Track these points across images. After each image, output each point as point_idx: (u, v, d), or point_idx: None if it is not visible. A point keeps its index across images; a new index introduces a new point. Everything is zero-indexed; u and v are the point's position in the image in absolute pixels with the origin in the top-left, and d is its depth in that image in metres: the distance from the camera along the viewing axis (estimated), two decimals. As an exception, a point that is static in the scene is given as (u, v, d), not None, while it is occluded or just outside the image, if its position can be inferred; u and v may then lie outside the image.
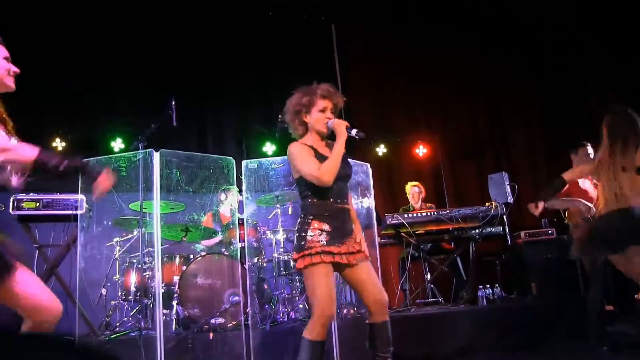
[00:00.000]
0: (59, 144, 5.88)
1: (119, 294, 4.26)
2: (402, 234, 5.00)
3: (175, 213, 4.58)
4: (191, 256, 4.34)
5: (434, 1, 7.02)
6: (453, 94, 7.28)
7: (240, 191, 4.41)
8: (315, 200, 2.49)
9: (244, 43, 6.53)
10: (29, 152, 1.94)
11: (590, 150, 4.31)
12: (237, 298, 3.96)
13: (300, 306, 4.32)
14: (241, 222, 4.39)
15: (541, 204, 3.41)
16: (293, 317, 4.23)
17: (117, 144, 5.95)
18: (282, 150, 6.09)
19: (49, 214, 4.04)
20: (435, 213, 5.08)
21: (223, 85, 6.59)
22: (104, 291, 4.36)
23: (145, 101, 5.83)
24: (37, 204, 3.99)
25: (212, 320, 3.85)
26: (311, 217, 2.45)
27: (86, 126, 6.03)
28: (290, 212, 4.83)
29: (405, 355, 2.54)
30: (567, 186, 3.45)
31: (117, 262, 4.44)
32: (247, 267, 4.15)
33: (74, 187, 3.75)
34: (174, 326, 4.01)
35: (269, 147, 6.45)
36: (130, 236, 4.46)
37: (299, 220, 2.51)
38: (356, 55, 7.16)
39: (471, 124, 7.46)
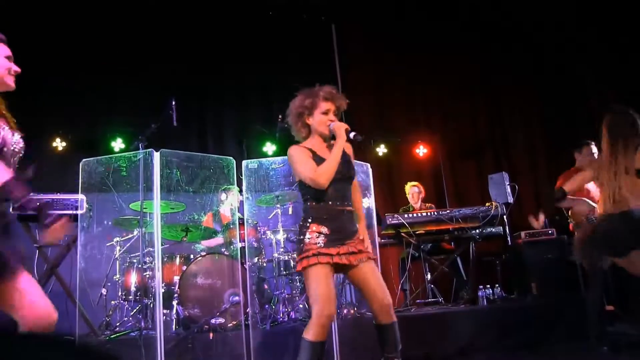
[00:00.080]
0: (59, 143, 5.88)
1: (119, 293, 4.26)
2: (402, 234, 5.00)
3: (175, 213, 4.58)
4: (191, 256, 4.34)
5: (434, 1, 7.02)
6: (453, 94, 7.28)
7: (240, 191, 4.41)
8: (314, 203, 2.51)
9: (244, 43, 6.53)
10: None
11: (594, 149, 4.32)
12: (237, 298, 3.96)
13: (301, 306, 4.32)
14: (241, 222, 4.39)
15: (541, 216, 3.41)
16: (293, 317, 4.23)
17: (118, 144, 5.95)
18: (282, 151, 6.13)
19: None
20: (436, 213, 5.08)
21: (223, 85, 6.59)
22: (104, 291, 4.36)
23: (145, 101, 5.83)
24: (37, 203, 3.98)
25: (213, 320, 3.85)
26: (310, 220, 2.48)
27: (86, 126, 6.04)
28: (290, 212, 4.83)
29: (406, 355, 2.54)
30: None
31: (118, 262, 4.44)
32: (247, 267, 4.15)
33: (74, 187, 3.76)
34: (174, 326, 4.01)
35: (269, 147, 6.45)
36: (130, 236, 4.47)
37: (300, 223, 2.54)
38: (356, 55, 7.16)
39: (471, 124, 7.45)
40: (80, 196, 3.99)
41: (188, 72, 6.23)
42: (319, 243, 2.41)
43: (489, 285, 4.84)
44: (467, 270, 5.27)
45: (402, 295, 5.31)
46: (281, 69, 6.53)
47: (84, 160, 3.77)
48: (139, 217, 4.02)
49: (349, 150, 2.66)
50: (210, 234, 4.68)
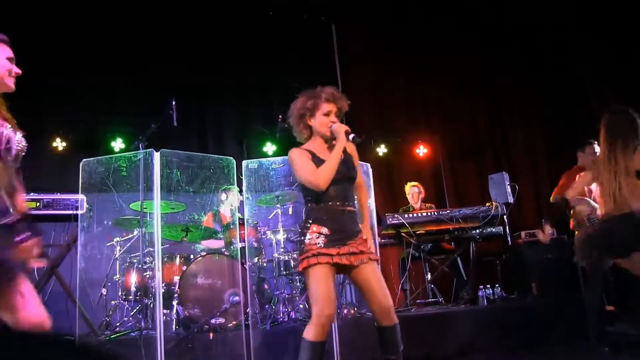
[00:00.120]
0: (59, 144, 5.87)
1: (119, 293, 4.26)
2: (403, 234, 5.00)
3: (175, 213, 4.58)
4: (191, 256, 4.33)
5: (434, 1, 7.02)
6: (453, 94, 7.28)
7: (240, 191, 4.41)
8: (314, 204, 2.53)
9: (244, 43, 6.53)
10: None
11: (597, 148, 4.31)
12: (237, 298, 3.96)
13: (301, 306, 4.32)
14: (241, 222, 4.39)
15: (547, 228, 3.42)
16: (293, 317, 4.23)
17: (118, 144, 5.95)
18: (282, 151, 6.13)
19: (49, 214, 4.04)
20: (436, 213, 5.09)
21: (223, 85, 6.59)
22: (104, 291, 4.36)
23: (145, 101, 5.83)
24: (38, 203, 3.99)
25: (213, 321, 3.85)
26: (311, 221, 2.49)
27: (86, 126, 6.04)
28: (290, 212, 4.83)
29: (406, 355, 2.53)
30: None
31: (118, 262, 4.44)
32: (247, 267, 4.15)
33: (74, 187, 3.76)
34: (174, 326, 4.01)
35: (269, 147, 6.45)
36: (130, 236, 4.46)
37: (301, 224, 2.56)
38: (356, 55, 7.16)
39: (471, 124, 7.46)
40: (81, 196, 4.00)
41: (188, 72, 6.23)
42: (319, 243, 2.42)
43: (489, 285, 4.84)
44: (467, 270, 5.27)
45: (403, 295, 5.31)
46: (281, 69, 6.53)
47: (84, 160, 3.77)
48: (139, 217, 4.02)
49: (353, 151, 2.66)
50: (211, 234, 4.68)
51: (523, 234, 5.28)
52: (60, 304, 4.07)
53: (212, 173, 4.19)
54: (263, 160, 4.17)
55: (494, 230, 5.12)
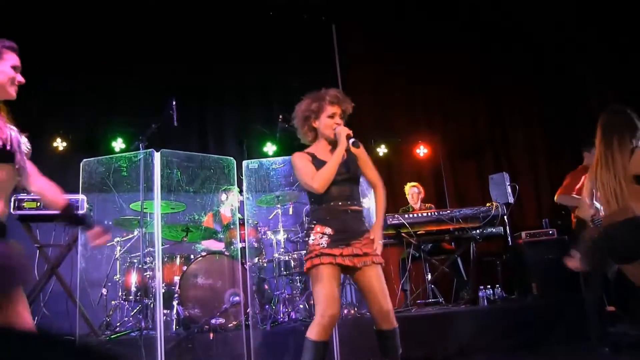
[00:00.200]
0: (59, 144, 5.87)
1: (120, 294, 4.26)
2: (403, 234, 5.00)
3: (176, 213, 4.58)
4: (192, 256, 4.34)
5: (434, 1, 7.01)
6: (453, 94, 7.28)
7: (240, 191, 4.41)
8: (317, 205, 2.56)
9: (244, 43, 6.53)
10: None
11: None
12: (237, 298, 3.96)
13: (301, 306, 4.32)
14: (242, 222, 4.39)
15: (576, 253, 3.38)
16: (293, 317, 4.23)
17: (118, 144, 5.95)
18: (282, 151, 6.14)
19: (49, 214, 4.03)
20: (436, 213, 5.08)
21: (223, 85, 6.59)
22: (104, 291, 4.36)
23: (145, 101, 5.83)
24: (38, 203, 3.99)
25: (213, 321, 3.85)
26: (315, 222, 2.53)
27: (87, 126, 6.04)
28: (290, 213, 4.84)
29: (406, 356, 2.54)
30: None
31: (118, 262, 4.45)
32: (247, 267, 4.15)
33: (75, 187, 3.76)
34: (174, 326, 4.01)
35: (269, 147, 6.45)
36: (131, 236, 4.47)
37: (306, 225, 2.60)
38: (356, 55, 7.16)
39: (471, 124, 7.45)
40: (81, 196, 4.00)
41: (188, 72, 6.23)
42: (322, 244, 2.44)
43: (489, 286, 4.84)
44: (468, 271, 5.27)
45: (403, 296, 5.30)
46: (281, 69, 6.53)
47: (84, 160, 3.77)
48: (139, 217, 4.02)
49: (360, 151, 2.66)
50: (211, 234, 4.68)
51: (523, 234, 5.28)
52: (60, 304, 4.08)
53: (213, 173, 4.19)
54: (263, 160, 4.18)
55: (494, 230, 5.11)
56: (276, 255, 4.51)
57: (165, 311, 3.86)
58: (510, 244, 5.40)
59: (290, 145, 5.80)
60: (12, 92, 2.07)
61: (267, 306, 4.46)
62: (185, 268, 4.09)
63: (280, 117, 4.62)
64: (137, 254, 4.27)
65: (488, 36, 7.23)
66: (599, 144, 3.18)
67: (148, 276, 4.05)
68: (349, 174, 2.57)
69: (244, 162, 3.98)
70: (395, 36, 7.12)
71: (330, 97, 2.58)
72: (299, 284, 4.50)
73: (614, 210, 3.02)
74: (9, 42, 2.06)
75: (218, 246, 4.61)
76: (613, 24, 6.61)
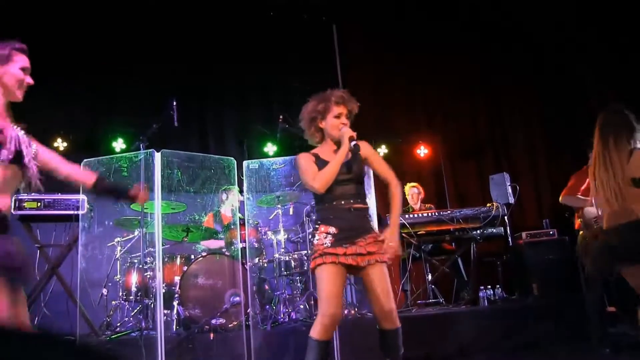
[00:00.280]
0: (60, 144, 5.86)
1: (120, 294, 4.26)
2: (403, 234, 4.99)
3: (176, 213, 4.58)
4: (192, 256, 4.34)
5: (434, 1, 7.01)
6: (453, 94, 7.27)
7: (241, 191, 4.41)
8: (321, 205, 2.58)
9: (244, 43, 6.53)
10: None
11: None
12: (237, 298, 3.96)
13: (301, 307, 4.32)
14: (242, 223, 4.39)
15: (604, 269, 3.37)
16: (294, 317, 4.23)
17: (119, 144, 5.94)
18: (283, 151, 6.13)
19: (50, 214, 4.05)
20: (436, 214, 5.08)
21: (223, 85, 6.59)
22: (105, 291, 4.36)
23: (145, 101, 5.83)
24: (39, 203, 3.99)
25: (213, 321, 3.85)
26: (319, 221, 2.56)
27: (87, 126, 6.04)
28: (291, 213, 4.84)
29: (406, 356, 2.54)
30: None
31: (118, 262, 4.45)
32: (248, 268, 4.15)
33: (76, 187, 3.75)
34: (174, 326, 4.01)
35: (270, 148, 6.45)
36: (131, 236, 4.47)
37: (306, 226, 2.64)
38: (356, 55, 7.16)
39: (471, 124, 7.45)
40: (82, 196, 4.00)
41: (188, 72, 6.23)
42: (326, 243, 2.46)
43: (489, 286, 4.84)
44: (468, 271, 5.27)
45: (403, 296, 5.30)
46: (281, 69, 6.53)
47: (85, 160, 3.77)
48: (139, 217, 4.02)
49: (370, 151, 2.66)
50: (211, 234, 4.68)
51: (524, 234, 5.27)
52: (61, 304, 4.07)
53: (213, 173, 4.20)
54: (264, 160, 4.18)
55: (494, 230, 5.11)
56: (276, 255, 4.51)
57: (165, 311, 3.87)
58: (510, 244, 5.40)
59: (290, 145, 5.81)
60: (20, 94, 2.07)
61: (267, 306, 4.46)
62: (185, 268, 4.09)
63: (281, 117, 4.63)
64: (138, 254, 4.27)
65: (488, 36, 7.23)
66: (596, 144, 3.17)
67: (148, 276, 4.05)
68: (352, 174, 2.57)
69: (245, 163, 3.98)
70: (395, 36, 7.12)
71: (336, 97, 2.61)
72: (299, 284, 4.50)
73: (615, 210, 3.01)
74: (19, 44, 2.06)
75: (218, 244, 4.62)
76: (613, 24, 6.61)
